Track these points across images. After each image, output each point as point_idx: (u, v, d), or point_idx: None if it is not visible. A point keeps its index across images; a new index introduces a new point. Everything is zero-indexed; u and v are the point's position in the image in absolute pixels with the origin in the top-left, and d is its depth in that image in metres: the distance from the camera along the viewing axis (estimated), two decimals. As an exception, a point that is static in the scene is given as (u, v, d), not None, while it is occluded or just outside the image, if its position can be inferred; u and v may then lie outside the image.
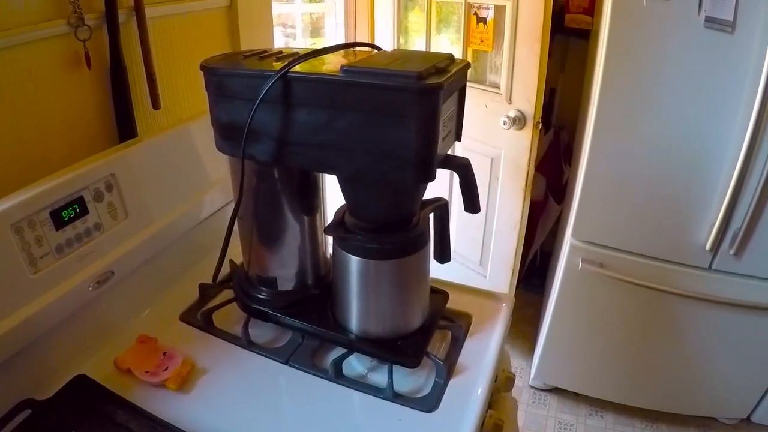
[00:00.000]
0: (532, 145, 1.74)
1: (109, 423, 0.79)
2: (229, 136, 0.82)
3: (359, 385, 0.89)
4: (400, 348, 0.90)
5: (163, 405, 0.84)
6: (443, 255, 0.96)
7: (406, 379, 0.91)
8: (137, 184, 0.99)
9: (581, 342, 1.83)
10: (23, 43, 0.90)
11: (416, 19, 1.98)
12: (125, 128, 1.08)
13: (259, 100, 0.74)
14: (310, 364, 0.92)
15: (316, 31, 2.19)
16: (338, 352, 0.93)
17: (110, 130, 1.08)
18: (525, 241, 2.27)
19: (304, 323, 0.95)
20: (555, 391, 2.03)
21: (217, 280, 1.01)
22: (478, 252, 2.11)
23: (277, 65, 0.75)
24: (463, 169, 0.85)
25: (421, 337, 0.93)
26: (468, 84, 1.80)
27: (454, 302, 1.06)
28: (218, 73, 0.80)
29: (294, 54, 0.81)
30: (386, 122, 0.71)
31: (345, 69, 0.70)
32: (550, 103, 2.28)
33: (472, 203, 0.87)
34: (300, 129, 0.76)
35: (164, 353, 0.93)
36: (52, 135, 0.98)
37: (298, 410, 0.86)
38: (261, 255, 0.97)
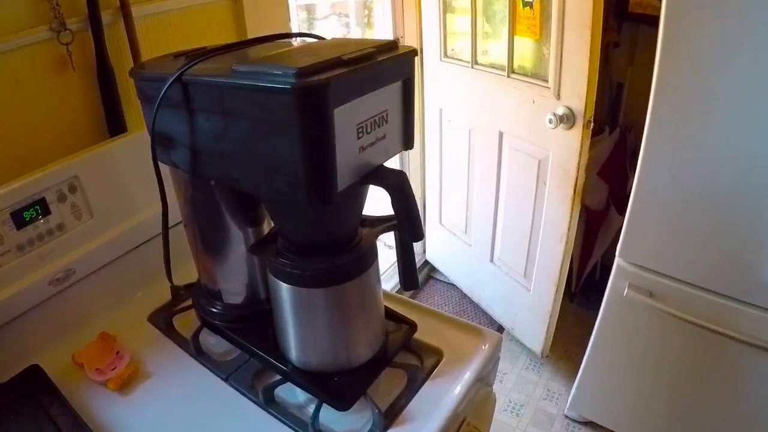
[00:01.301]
0: (582, 147, 1.54)
1: (42, 415, 0.82)
2: (154, 141, 0.78)
3: (288, 416, 0.83)
4: (335, 385, 0.82)
5: (98, 404, 0.86)
6: (408, 281, 0.84)
7: (344, 418, 0.83)
8: (103, 186, 1.01)
9: (622, 376, 1.62)
10: (6, 51, 0.93)
11: (463, 3, 1.83)
12: (115, 126, 1.10)
13: (157, 104, 0.69)
14: (248, 385, 0.88)
15: (369, 20, 2.12)
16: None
17: (100, 128, 1.10)
18: (583, 253, 2.07)
19: (246, 342, 0.90)
20: (590, 425, 1.83)
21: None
22: (523, 262, 1.94)
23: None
24: (394, 187, 0.70)
25: (363, 376, 0.84)
26: (515, 77, 1.64)
27: (428, 333, 0.96)
28: (137, 77, 0.77)
29: (219, 50, 0.75)
30: (271, 131, 0.61)
31: (234, 69, 0.62)
32: (616, 100, 2.03)
33: (411, 229, 0.73)
34: (203, 137, 0.70)
35: (117, 352, 0.95)
36: (41, 136, 1.01)
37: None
38: (206, 266, 0.93)
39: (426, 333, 0.96)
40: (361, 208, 0.78)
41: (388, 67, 0.66)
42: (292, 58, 0.60)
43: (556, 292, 1.82)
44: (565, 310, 1.90)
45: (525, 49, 1.69)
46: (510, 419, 1.89)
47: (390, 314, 0.96)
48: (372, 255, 0.81)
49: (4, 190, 0.88)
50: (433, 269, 2.66)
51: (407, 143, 0.76)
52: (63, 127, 1.04)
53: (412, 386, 0.87)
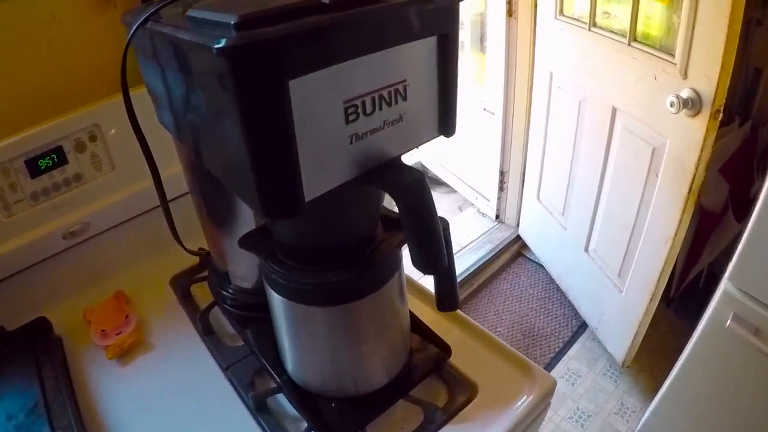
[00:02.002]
0: (705, 140, 1.23)
1: (34, 373, 0.79)
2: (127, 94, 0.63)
3: (277, 429, 0.71)
4: (330, 412, 0.69)
5: (93, 369, 0.82)
6: (443, 301, 0.65)
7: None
8: (128, 138, 0.91)
9: (705, 412, 1.33)
10: None
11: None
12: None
13: (123, 54, 0.55)
14: (246, 382, 0.77)
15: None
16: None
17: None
18: (689, 256, 1.76)
19: (248, 336, 0.79)
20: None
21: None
22: (619, 259, 1.67)
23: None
24: (402, 195, 0.50)
25: (367, 407, 0.69)
26: (637, 45, 1.34)
27: (467, 358, 0.78)
28: (126, 23, 0.64)
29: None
30: (215, 107, 0.46)
31: (188, 15, 0.46)
32: (752, 88, 1.64)
33: (421, 256, 0.53)
34: (175, 100, 0.57)
35: (126, 316, 0.89)
36: (77, 77, 0.93)
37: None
38: (213, 242, 0.82)
39: (464, 357, 0.78)
40: (376, 207, 0.61)
41: (406, 16, 0.46)
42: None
43: (651, 300, 1.55)
44: (659, 315, 1.63)
45: (652, 14, 1.37)
46: (574, 429, 1.69)
47: (420, 329, 0.80)
48: (392, 266, 0.64)
49: (18, 137, 0.82)
50: (524, 246, 2.45)
51: (446, 127, 0.56)
52: (99, 70, 0.95)
53: (427, 428, 0.70)
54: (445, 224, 0.59)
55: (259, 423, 0.72)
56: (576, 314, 2.07)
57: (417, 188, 0.50)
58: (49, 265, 0.91)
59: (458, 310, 0.79)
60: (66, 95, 0.90)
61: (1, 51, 0.84)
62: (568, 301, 2.12)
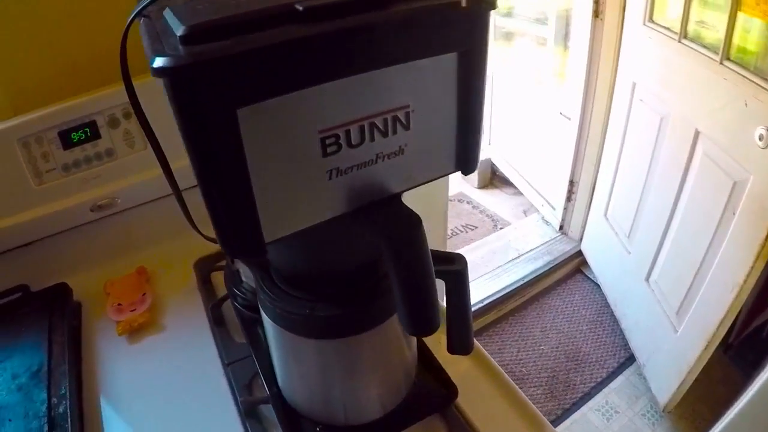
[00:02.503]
0: (796, 183, 1.10)
1: (44, 336, 0.81)
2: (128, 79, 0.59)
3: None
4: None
5: (102, 342, 0.84)
6: (454, 344, 0.59)
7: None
8: (163, 116, 0.90)
9: None
10: None
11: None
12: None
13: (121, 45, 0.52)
14: (244, 384, 0.74)
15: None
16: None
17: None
18: (756, 303, 1.58)
19: (249, 336, 0.77)
20: None
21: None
22: (680, 297, 1.53)
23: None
24: (396, 240, 0.43)
25: None
26: (729, 65, 1.21)
27: (476, 400, 0.71)
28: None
29: None
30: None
31: (163, 14, 0.39)
32: None
33: (407, 315, 0.47)
34: None
35: (143, 294, 0.90)
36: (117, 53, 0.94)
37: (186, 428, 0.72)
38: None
39: (472, 399, 0.71)
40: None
41: (413, 29, 0.37)
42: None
43: (706, 348, 1.41)
44: (713, 360, 1.48)
45: (751, 32, 1.21)
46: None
47: (427, 360, 0.74)
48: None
49: (54, 109, 0.84)
50: (584, 262, 2.33)
51: (465, 163, 0.47)
52: (138, 47, 0.94)
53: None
54: (462, 264, 0.52)
55: (245, 428, 0.69)
56: (626, 345, 1.94)
57: (410, 237, 0.43)
58: (75, 234, 0.93)
59: (476, 341, 0.73)
60: (105, 69, 0.90)
61: (50, 20, 0.85)
62: (620, 329, 1.99)
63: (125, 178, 0.92)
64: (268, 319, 0.59)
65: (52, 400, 0.70)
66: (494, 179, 2.98)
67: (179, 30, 0.32)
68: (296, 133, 0.37)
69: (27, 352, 0.79)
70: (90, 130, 0.86)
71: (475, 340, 0.63)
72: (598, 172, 2.11)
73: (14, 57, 0.86)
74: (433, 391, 0.71)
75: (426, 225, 0.44)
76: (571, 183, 2.28)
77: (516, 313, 2.13)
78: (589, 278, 2.27)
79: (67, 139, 0.85)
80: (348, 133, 0.39)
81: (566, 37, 2.36)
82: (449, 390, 0.70)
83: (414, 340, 0.68)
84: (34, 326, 0.83)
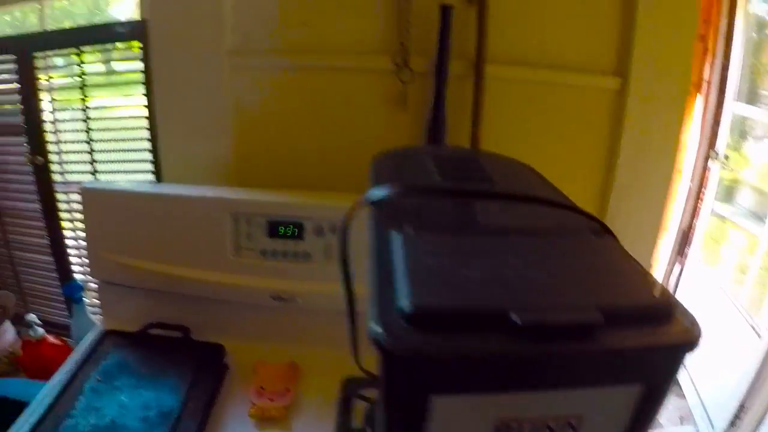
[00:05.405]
0: None
1: (186, 385, 0.89)
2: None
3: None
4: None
5: (232, 417, 0.88)
6: None
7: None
8: (361, 244, 0.96)
9: None
10: (343, 68, 1.00)
11: None
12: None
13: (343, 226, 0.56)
14: None
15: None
16: None
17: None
18: None
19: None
20: None
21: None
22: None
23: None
24: None
25: None
26: None
27: None
28: (374, 161, 0.70)
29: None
30: None
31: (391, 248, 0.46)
32: None
33: None
34: None
35: (287, 389, 0.92)
36: (354, 159, 1.01)
37: None
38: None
39: None
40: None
41: (608, 361, 0.39)
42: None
43: None
44: None
45: None
46: None
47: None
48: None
49: (268, 199, 0.96)
50: None
51: None
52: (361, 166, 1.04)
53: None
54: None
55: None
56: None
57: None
58: (249, 308, 1.00)
59: None
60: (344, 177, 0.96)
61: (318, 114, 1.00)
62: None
63: (313, 282, 0.97)
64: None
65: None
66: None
67: (406, 303, 0.36)
68: (473, 423, 0.39)
69: (166, 391, 0.87)
70: (297, 230, 0.95)
71: None
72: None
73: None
74: None
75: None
76: (741, 407, 1.98)
77: None
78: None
79: (274, 229, 0.95)
80: (521, 425, 0.40)
81: None
82: None
83: None
84: (182, 371, 0.91)
